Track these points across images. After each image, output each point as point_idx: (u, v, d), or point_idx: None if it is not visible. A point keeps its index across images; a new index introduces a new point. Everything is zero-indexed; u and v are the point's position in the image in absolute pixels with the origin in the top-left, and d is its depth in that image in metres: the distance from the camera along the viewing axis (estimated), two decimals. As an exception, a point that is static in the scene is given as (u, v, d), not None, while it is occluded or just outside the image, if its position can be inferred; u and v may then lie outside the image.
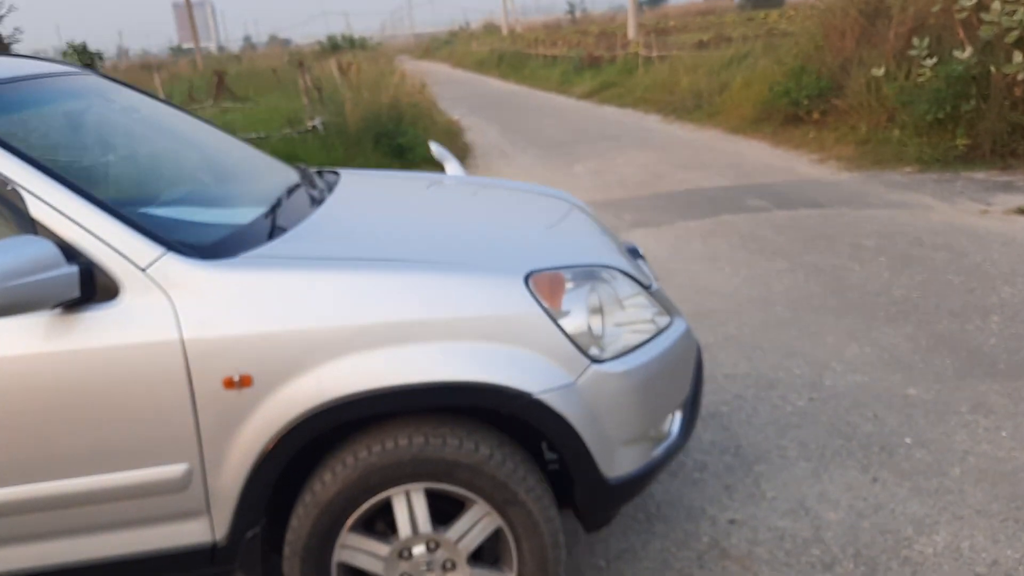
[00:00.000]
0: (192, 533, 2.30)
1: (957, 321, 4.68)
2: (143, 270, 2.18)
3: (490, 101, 22.04)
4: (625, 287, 2.53)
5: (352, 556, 2.35)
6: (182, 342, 2.16)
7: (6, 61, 2.96)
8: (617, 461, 2.41)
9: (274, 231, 2.48)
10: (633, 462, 2.45)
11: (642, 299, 2.57)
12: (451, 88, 27.35)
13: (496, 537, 2.39)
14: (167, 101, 3.54)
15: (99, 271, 2.16)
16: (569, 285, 2.41)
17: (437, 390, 2.23)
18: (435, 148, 3.88)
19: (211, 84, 17.14)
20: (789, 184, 8.65)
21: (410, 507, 2.33)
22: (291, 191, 2.86)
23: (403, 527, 2.34)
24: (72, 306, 2.15)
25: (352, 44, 39.63)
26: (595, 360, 2.35)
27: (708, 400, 4.01)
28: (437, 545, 2.37)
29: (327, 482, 2.30)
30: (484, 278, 2.32)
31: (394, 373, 2.21)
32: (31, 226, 2.15)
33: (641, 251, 3.14)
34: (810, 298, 5.26)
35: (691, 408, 2.69)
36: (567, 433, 2.31)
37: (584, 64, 24.05)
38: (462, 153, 13.09)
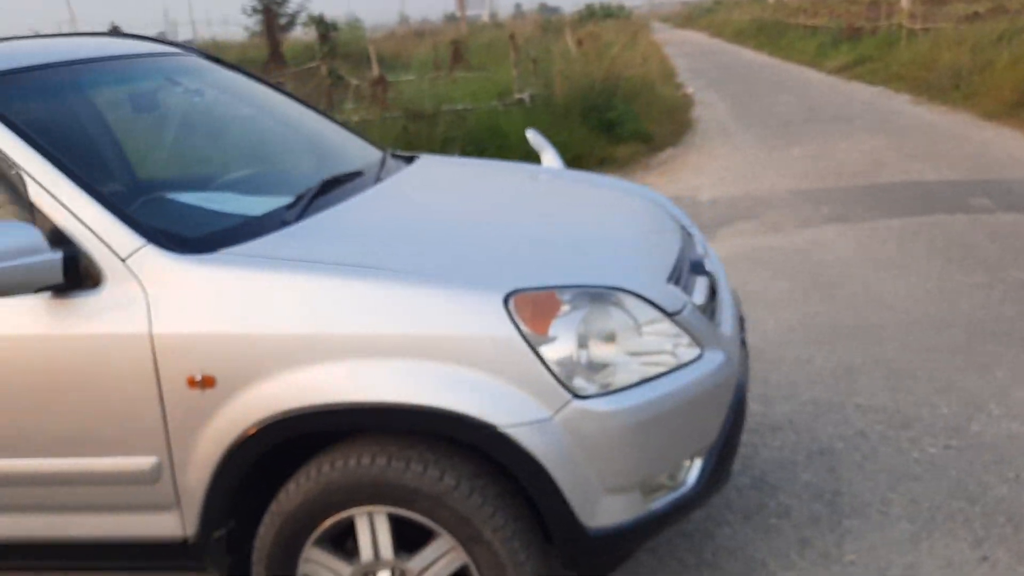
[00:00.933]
0: (165, 526, 2.30)
1: None
2: (123, 260, 2.18)
3: (734, 73, 21.09)
4: (642, 313, 2.22)
5: (315, 571, 2.26)
6: (151, 336, 2.14)
7: (97, 41, 3.08)
8: (601, 510, 2.13)
9: (277, 225, 2.41)
10: (622, 513, 2.16)
11: (664, 327, 2.25)
12: (698, 59, 26.49)
13: (466, 574, 2.21)
14: (270, 83, 3.57)
15: (85, 259, 2.18)
16: (564, 308, 2.14)
17: (393, 412, 2.07)
18: (531, 135, 3.66)
19: (450, 54, 17.66)
20: (1030, 182, 7.53)
21: (373, 530, 2.19)
22: (332, 181, 2.76)
23: (365, 550, 2.21)
24: (61, 291, 2.19)
25: (608, 13, 39.39)
26: (579, 395, 2.08)
27: (825, 433, 3.54)
28: (403, 574, 2.22)
29: (291, 493, 2.21)
30: (459, 293, 2.11)
31: (350, 389, 2.07)
32: (30, 210, 2.21)
33: (709, 266, 2.76)
34: (997, 321, 4.51)
35: (719, 456, 2.34)
36: (538, 473, 2.07)
37: (842, 35, 22.36)
38: (682, 128, 12.61)
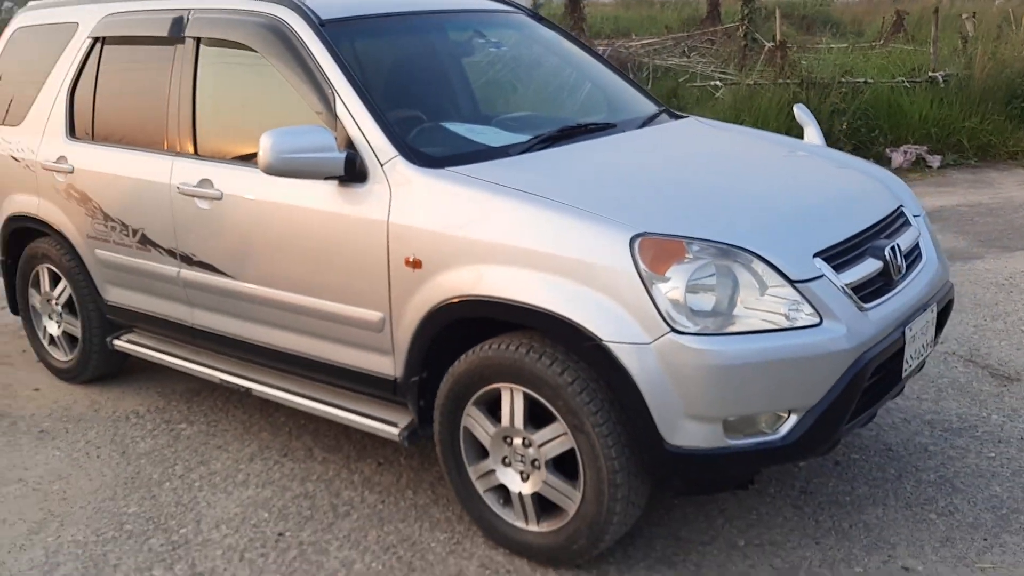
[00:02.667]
0: (384, 365, 3.08)
1: None
2: (381, 165, 2.95)
3: None
4: (765, 274, 2.51)
5: (472, 425, 2.89)
6: (388, 224, 2.90)
7: None
8: (681, 431, 2.49)
9: (501, 155, 3.03)
10: (700, 439, 2.49)
11: (784, 291, 2.51)
12: None
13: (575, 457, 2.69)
14: (583, 43, 4.16)
15: (359, 160, 2.99)
16: (688, 256, 2.50)
17: (528, 312, 2.62)
18: (797, 110, 3.82)
19: (892, 23, 16.64)
20: None
21: (512, 402, 2.77)
22: (574, 128, 3.32)
23: (504, 417, 2.79)
24: (342, 181, 3.02)
25: None
26: (677, 330, 2.44)
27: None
28: (531, 443, 2.77)
29: (462, 362, 2.85)
30: (595, 227, 2.57)
31: (499, 288, 2.67)
32: (334, 120, 3.06)
33: (892, 255, 2.81)
34: None
35: (820, 420, 2.53)
36: (629, 385, 2.49)
37: None
38: None
